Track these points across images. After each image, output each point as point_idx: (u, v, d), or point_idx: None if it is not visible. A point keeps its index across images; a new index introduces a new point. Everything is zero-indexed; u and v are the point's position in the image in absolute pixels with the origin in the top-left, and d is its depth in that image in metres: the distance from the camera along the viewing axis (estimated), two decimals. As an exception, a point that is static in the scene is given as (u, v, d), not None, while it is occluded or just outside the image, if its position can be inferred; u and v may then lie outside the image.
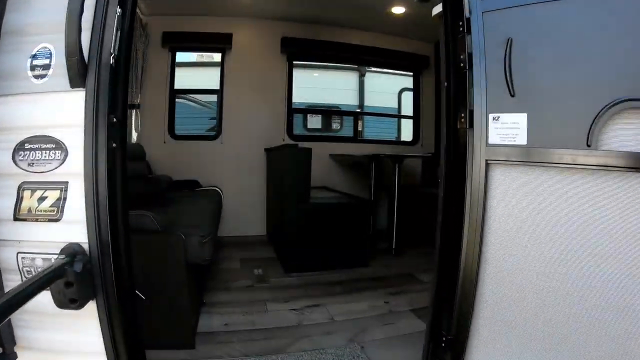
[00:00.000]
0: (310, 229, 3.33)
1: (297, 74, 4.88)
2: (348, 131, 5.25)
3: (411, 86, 5.40)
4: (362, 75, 5.33)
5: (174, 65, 4.60)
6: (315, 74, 5.24)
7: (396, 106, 5.52)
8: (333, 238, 3.41)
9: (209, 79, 4.75)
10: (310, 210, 3.36)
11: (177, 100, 4.66)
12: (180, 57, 4.72)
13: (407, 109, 5.46)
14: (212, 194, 4.01)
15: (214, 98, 4.78)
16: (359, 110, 5.35)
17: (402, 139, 5.51)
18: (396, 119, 5.55)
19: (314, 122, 5.19)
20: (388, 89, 5.53)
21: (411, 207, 4.22)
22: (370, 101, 5.42)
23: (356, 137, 5.09)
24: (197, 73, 5.10)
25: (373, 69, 5.30)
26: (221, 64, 4.64)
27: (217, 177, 4.59)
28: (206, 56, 4.96)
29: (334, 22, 4.75)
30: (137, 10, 4.13)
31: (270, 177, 4.45)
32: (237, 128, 4.64)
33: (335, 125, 5.31)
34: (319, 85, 5.27)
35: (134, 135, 4.33)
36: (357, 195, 4.24)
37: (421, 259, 3.71)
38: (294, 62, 4.81)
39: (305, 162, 3.30)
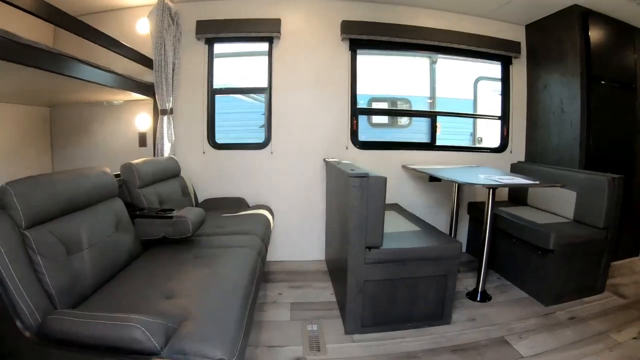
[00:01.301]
0: (379, 281, 2.57)
1: (360, 63, 3.98)
2: (419, 127, 4.35)
3: (489, 74, 4.40)
4: (433, 62, 4.37)
5: (212, 59, 3.81)
6: (380, 62, 4.30)
7: (471, 98, 4.53)
8: (407, 290, 2.62)
9: (256, 74, 3.94)
10: (381, 260, 2.54)
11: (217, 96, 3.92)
12: (219, 49, 3.90)
13: (485, 102, 4.48)
14: (259, 220, 3.24)
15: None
16: (430, 100, 4.40)
17: (480, 143, 4.52)
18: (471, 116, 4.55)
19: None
20: (461, 76, 4.54)
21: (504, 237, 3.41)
22: (441, 92, 4.46)
23: (433, 143, 4.15)
24: (240, 67, 4.26)
25: (448, 56, 4.31)
26: (269, 57, 3.82)
27: (267, 192, 3.87)
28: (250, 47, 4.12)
29: (399, 1, 3.83)
30: None
31: (330, 195, 3.60)
32: (289, 134, 3.84)
33: (403, 120, 4.47)
34: (383, 74, 4.34)
35: (167, 147, 3.58)
36: (436, 227, 3.33)
37: (515, 310, 2.93)
38: (358, 50, 3.89)
39: (378, 199, 2.44)
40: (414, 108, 4.44)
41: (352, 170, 2.50)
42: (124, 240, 2.33)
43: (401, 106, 4.45)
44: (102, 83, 2.85)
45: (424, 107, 4.42)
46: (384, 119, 4.45)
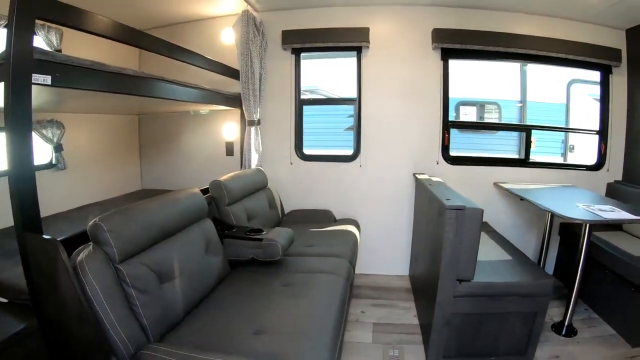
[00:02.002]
0: (466, 314, 2.43)
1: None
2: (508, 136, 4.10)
3: (584, 77, 4.07)
4: (524, 64, 4.09)
5: (298, 70, 3.75)
6: (468, 64, 4.05)
7: (564, 102, 4.19)
8: (494, 324, 2.46)
9: (344, 78, 3.86)
10: (470, 294, 2.38)
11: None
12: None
13: (579, 108, 4.16)
14: (347, 239, 3.15)
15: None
16: (520, 104, 4.09)
17: (572, 151, 4.21)
18: (562, 124, 4.22)
19: (467, 113, 4.11)
20: (553, 78, 4.21)
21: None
22: (532, 95, 4.13)
23: (526, 160, 3.88)
24: (328, 69, 4.17)
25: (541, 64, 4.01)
26: (357, 67, 3.71)
27: (354, 205, 3.80)
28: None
29: (489, 5, 3.60)
30: (248, 7, 3.46)
31: (419, 213, 3.45)
32: (378, 147, 3.72)
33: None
34: (472, 76, 4.09)
35: (254, 158, 3.54)
36: (526, 250, 3.14)
37: (600, 349, 2.68)
38: (450, 59, 3.69)
39: (473, 232, 2.26)
40: (503, 112, 4.18)
41: (447, 199, 2.34)
42: (213, 263, 2.34)
43: (490, 110, 4.19)
44: (188, 100, 2.87)
45: (514, 111, 4.14)
46: (472, 116, 4.18)
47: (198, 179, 4.00)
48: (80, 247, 1.71)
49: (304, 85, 3.87)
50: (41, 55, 1.62)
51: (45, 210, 3.17)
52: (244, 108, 3.53)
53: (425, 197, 3.00)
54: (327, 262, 2.65)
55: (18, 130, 1.55)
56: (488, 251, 2.87)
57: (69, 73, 1.78)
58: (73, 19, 1.89)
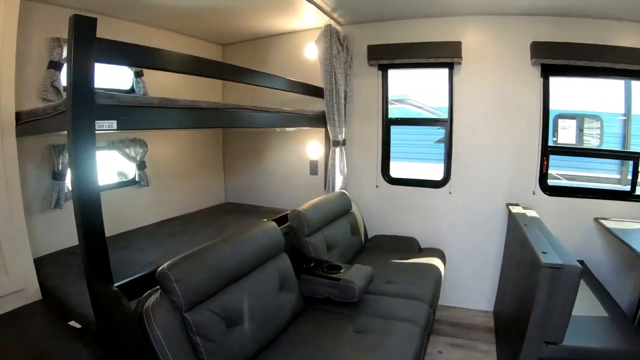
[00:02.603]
0: None
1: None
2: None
3: None
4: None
5: (386, 87, 3.59)
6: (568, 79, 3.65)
7: None
8: None
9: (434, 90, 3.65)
10: (558, 359, 2.12)
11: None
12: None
13: None
14: (430, 278, 2.91)
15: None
16: (624, 117, 3.62)
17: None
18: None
19: (566, 127, 3.70)
20: None
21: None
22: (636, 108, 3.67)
23: (632, 192, 3.27)
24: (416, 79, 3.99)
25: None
26: (449, 84, 3.46)
27: (440, 233, 3.55)
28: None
29: (596, 13, 3.18)
30: (331, 22, 3.34)
31: (510, 249, 3.18)
32: (470, 173, 3.47)
33: (593, 140, 3.71)
34: (571, 86, 3.68)
35: (338, 179, 3.45)
36: (622, 297, 2.77)
37: None
38: (550, 76, 3.29)
39: (568, 292, 1.99)
40: (605, 127, 3.70)
41: (544, 253, 2.07)
42: (286, 301, 2.25)
43: (590, 123, 3.72)
44: (271, 126, 2.80)
45: (617, 126, 3.69)
46: (570, 138, 3.72)
47: (280, 198, 4.10)
48: (149, 292, 1.69)
49: (391, 94, 3.69)
50: (105, 100, 1.58)
51: (127, 225, 3.38)
52: (328, 128, 3.44)
53: (518, 236, 2.71)
54: (406, 305, 2.46)
55: (84, 189, 1.52)
56: (581, 302, 2.53)
57: (136, 114, 1.74)
58: (138, 59, 1.87)
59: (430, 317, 2.49)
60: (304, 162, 3.96)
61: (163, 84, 3.50)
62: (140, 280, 1.80)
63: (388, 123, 3.60)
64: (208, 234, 3.24)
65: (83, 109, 1.48)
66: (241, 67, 2.52)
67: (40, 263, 2.59)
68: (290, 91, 3.14)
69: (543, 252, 2.08)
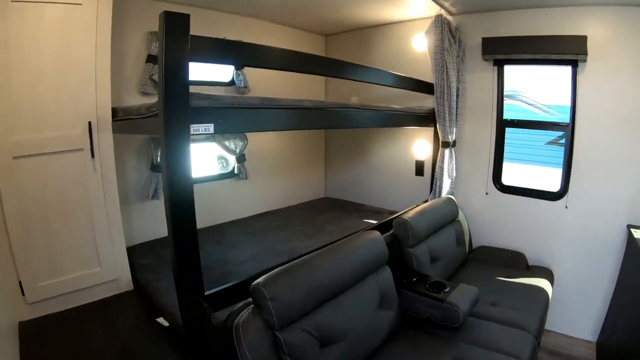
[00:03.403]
0: None
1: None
2: None
3: None
4: None
5: (501, 84, 3.25)
6: None
7: None
8: None
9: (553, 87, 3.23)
10: None
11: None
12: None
13: None
14: (537, 304, 2.55)
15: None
16: None
17: None
18: None
19: None
20: None
21: None
22: None
23: None
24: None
25: None
26: (572, 85, 3.04)
27: (550, 250, 3.14)
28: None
29: None
30: (442, 11, 3.09)
31: (627, 275, 2.72)
32: (590, 186, 2.97)
33: None
34: None
35: (446, 184, 3.22)
36: None
37: None
38: None
39: None
40: None
41: None
42: (384, 319, 2.07)
43: None
44: (378, 126, 2.61)
45: None
46: None
47: (383, 197, 3.94)
48: (240, 305, 1.61)
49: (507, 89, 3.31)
50: (200, 102, 1.45)
51: (224, 217, 3.34)
52: (438, 127, 3.18)
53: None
54: (510, 336, 2.17)
55: (178, 197, 1.41)
56: None
57: (234, 116, 1.61)
58: (236, 56, 1.71)
59: (535, 351, 2.20)
60: (410, 162, 3.72)
61: (265, 77, 3.43)
62: (232, 290, 1.72)
63: (502, 124, 3.25)
64: (306, 232, 3.15)
65: (177, 113, 1.37)
66: (347, 62, 2.33)
67: (134, 252, 2.66)
68: (396, 87, 2.93)
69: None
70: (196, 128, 1.44)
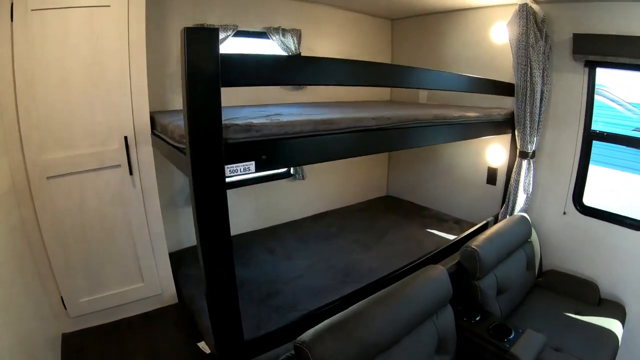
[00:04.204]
0: None
1: None
2: None
3: None
4: None
5: (592, 90, 2.80)
6: None
7: None
8: None
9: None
10: None
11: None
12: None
13: None
14: (605, 344, 2.27)
15: None
16: None
17: None
18: None
19: None
20: None
21: None
22: None
23: None
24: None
25: None
26: None
27: (625, 284, 2.70)
28: None
29: None
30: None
31: None
32: None
33: None
34: None
35: (521, 199, 2.90)
36: None
37: None
38: None
39: None
40: None
41: None
42: None
43: None
44: (451, 141, 2.57)
45: None
46: None
47: (448, 202, 3.71)
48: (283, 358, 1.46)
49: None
50: (238, 135, 1.23)
51: (279, 218, 3.16)
52: (516, 134, 2.82)
53: None
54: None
55: (213, 251, 1.22)
56: None
57: (281, 149, 1.38)
58: (278, 76, 1.39)
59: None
60: (482, 168, 3.36)
61: None
62: (273, 335, 1.58)
63: (590, 137, 2.80)
64: (364, 242, 2.98)
65: (206, 152, 1.14)
66: (413, 68, 2.02)
67: (182, 258, 2.60)
68: (477, 92, 2.62)
69: None
70: (233, 169, 1.22)
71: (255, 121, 1.32)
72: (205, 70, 1.10)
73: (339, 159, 1.75)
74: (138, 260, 2.18)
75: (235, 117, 1.39)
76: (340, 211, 3.66)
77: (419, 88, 2.19)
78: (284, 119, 1.43)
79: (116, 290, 2.15)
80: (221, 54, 1.12)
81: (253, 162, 1.26)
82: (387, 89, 4.03)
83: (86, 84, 1.88)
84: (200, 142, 1.13)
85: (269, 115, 1.53)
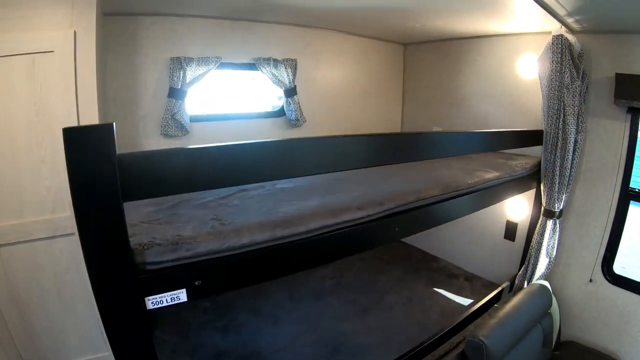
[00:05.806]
0: None
1: None
2: None
3: None
4: None
5: (633, 141, 2.39)
6: None
7: None
8: None
9: None
10: None
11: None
12: None
13: None
14: None
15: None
16: None
17: None
18: None
19: None
20: None
21: None
22: None
23: None
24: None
25: None
26: None
27: None
28: None
29: None
30: (562, 29, 2.20)
31: None
32: None
33: None
34: None
35: (542, 263, 2.60)
36: None
37: None
38: None
39: None
40: None
41: None
42: None
43: None
44: (463, 214, 2.01)
45: None
46: None
47: (461, 254, 3.36)
48: None
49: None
50: (161, 259, 0.96)
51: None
52: (542, 190, 2.43)
53: None
54: None
55: None
56: None
57: (224, 269, 1.08)
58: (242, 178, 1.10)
59: None
60: (500, 220, 3.00)
61: (325, 107, 3.06)
62: None
63: (628, 196, 2.40)
64: (361, 304, 2.74)
65: (115, 288, 0.88)
66: (427, 134, 1.88)
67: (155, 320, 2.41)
68: (501, 150, 2.37)
69: None
70: (157, 300, 0.94)
71: (185, 232, 1.01)
72: (99, 182, 0.79)
73: (307, 270, 1.40)
74: (101, 328, 1.97)
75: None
76: (339, 261, 3.31)
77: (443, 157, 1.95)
78: (235, 220, 1.12)
79: (81, 358, 2.05)
80: (119, 154, 0.80)
81: (183, 290, 0.96)
82: (398, 120, 3.75)
83: (31, 144, 1.72)
84: (102, 272, 0.85)
85: (211, 219, 1.19)
